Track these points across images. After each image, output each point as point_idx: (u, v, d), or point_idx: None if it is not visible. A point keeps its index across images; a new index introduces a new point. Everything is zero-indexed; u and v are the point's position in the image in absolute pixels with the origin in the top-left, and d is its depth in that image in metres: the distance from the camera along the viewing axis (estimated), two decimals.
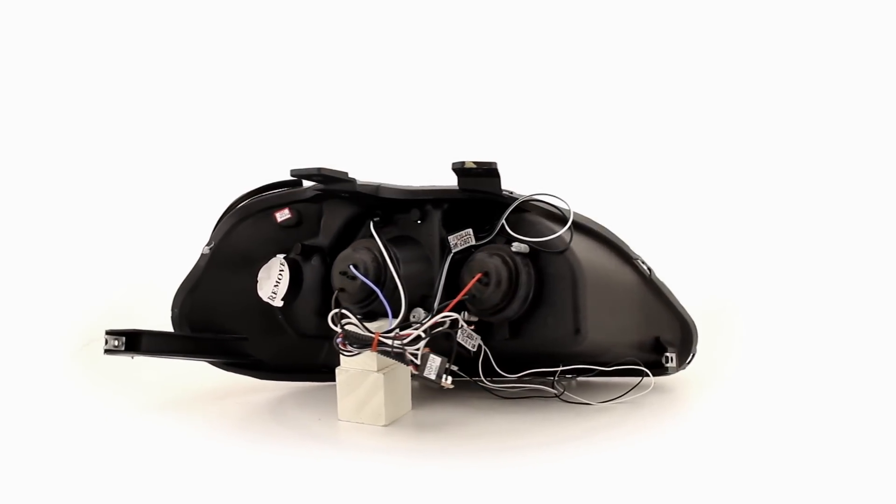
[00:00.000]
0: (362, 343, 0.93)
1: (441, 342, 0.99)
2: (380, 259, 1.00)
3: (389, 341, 0.92)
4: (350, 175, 1.10)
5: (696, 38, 1.82)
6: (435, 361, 0.93)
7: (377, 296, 0.98)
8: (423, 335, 0.92)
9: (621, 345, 1.07)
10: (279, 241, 1.09)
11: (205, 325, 1.11)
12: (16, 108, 1.56)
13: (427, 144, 1.61)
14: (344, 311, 0.95)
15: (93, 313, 1.09)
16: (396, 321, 0.95)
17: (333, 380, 1.02)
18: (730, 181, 1.78)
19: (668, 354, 1.09)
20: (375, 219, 1.06)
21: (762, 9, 1.82)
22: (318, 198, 1.09)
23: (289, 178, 1.07)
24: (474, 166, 0.96)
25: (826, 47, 1.79)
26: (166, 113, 1.65)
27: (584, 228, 1.04)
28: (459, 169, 0.97)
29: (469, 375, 1.06)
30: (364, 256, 1.00)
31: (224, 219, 1.10)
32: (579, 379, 1.15)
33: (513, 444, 0.95)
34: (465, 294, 0.97)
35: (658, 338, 1.10)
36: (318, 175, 1.01)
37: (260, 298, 1.06)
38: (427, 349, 0.92)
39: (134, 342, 1.03)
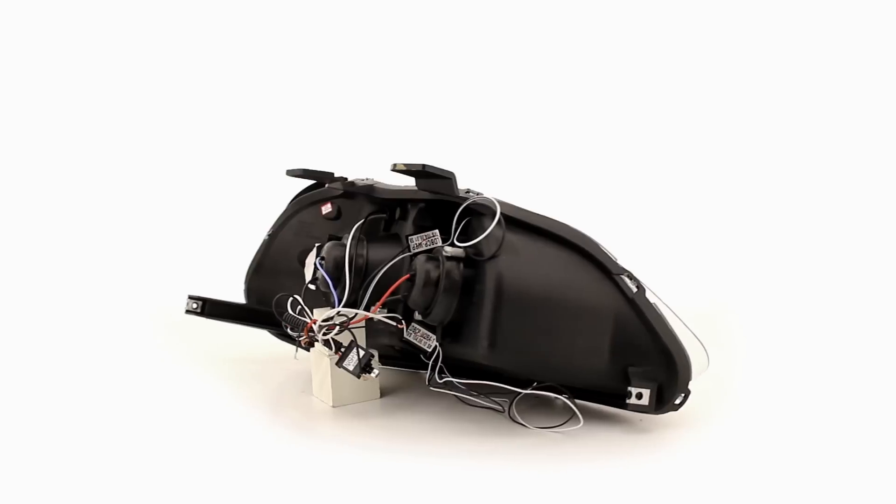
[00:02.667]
0: (300, 327, 1.02)
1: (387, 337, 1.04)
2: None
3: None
4: (374, 175, 1.19)
5: (697, 42, 1.91)
6: (358, 354, 0.98)
7: (340, 286, 1.06)
8: (332, 325, 0.98)
9: (568, 369, 0.95)
10: (324, 231, 1.23)
11: (268, 299, 1.31)
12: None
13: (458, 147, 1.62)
14: (296, 296, 1.05)
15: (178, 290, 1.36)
16: (333, 311, 1.02)
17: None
18: (727, 185, 1.86)
19: (632, 389, 0.92)
20: (371, 216, 1.13)
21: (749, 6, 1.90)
22: (347, 195, 1.20)
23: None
24: (404, 168, 0.97)
25: (812, 50, 1.87)
26: (209, 125, 1.98)
27: (551, 236, 0.96)
28: (392, 170, 0.98)
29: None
30: (336, 251, 1.08)
31: (285, 210, 1.29)
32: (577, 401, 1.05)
33: (423, 447, 0.95)
34: (390, 293, 0.99)
35: (628, 368, 0.94)
36: (303, 174, 1.13)
37: None
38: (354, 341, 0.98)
39: (203, 307, 1.28)
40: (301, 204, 1.26)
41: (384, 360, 1.23)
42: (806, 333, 1.37)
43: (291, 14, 2.01)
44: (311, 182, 1.25)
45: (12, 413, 1.07)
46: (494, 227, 0.93)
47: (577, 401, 1.03)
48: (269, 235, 1.29)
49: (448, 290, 0.95)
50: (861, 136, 1.85)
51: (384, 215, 1.14)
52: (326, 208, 1.24)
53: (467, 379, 1.03)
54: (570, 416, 0.95)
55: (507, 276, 0.92)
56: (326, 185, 1.25)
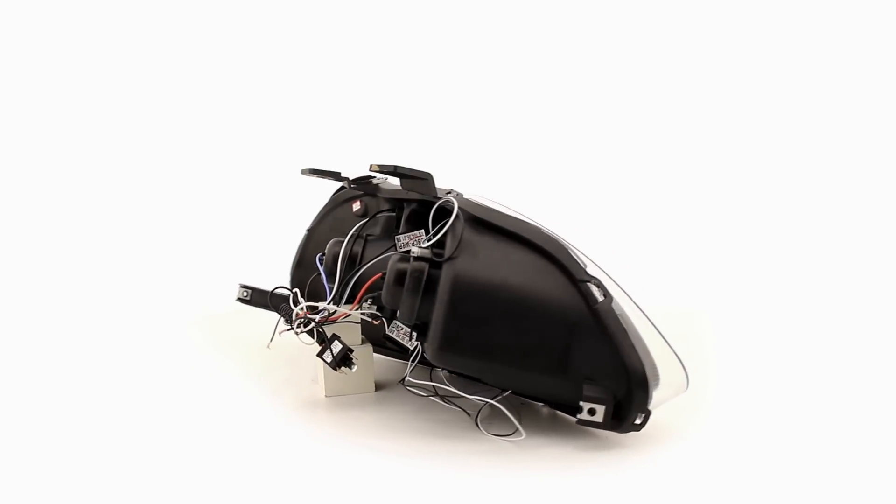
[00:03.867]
0: (290, 319, 1.08)
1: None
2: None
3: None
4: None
5: (678, 42, 1.98)
6: (336, 347, 1.02)
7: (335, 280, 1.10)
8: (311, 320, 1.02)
9: (521, 377, 0.91)
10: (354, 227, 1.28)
11: (310, 290, 1.38)
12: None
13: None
14: (296, 289, 1.11)
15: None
16: (321, 305, 1.06)
17: (395, 354, 1.21)
18: (706, 185, 1.92)
19: (583, 404, 0.87)
20: (379, 213, 1.16)
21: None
22: (369, 193, 1.24)
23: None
24: (377, 168, 0.99)
25: (780, 56, 1.96)
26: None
27: (517, 238, 0.94)
28: (369, 170, 1.00)
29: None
30: (334, 248, 1.12)
31: (323, 206, 1.35)
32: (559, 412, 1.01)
33: (382, 444, 0.96)
34: (366, 291, 1.01)
35: (584, 381, 0.88)
36: (313, 173, 1.18)
37: None
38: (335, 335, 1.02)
39: (251, 295, 1.38)
40: (336, 201, 1.32)
41: (402, 353, 1.26)
42: (779, 337, 1.35)
43: (341, 31, 2.17)
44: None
45: (62, 375, 1.24)
46: (453, 227, 0.93)
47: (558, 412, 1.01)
48: (307, 231, 1.37)
49: (411, 289, 0.95)
50: (835, 141, 1.92)
51: (394, 213, 1.17)
52: (356, 206, 1.29)
53: (463, 378, 1.04)
54: (514, 430, 0.93)
55: (461, 278, 0.91)
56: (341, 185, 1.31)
